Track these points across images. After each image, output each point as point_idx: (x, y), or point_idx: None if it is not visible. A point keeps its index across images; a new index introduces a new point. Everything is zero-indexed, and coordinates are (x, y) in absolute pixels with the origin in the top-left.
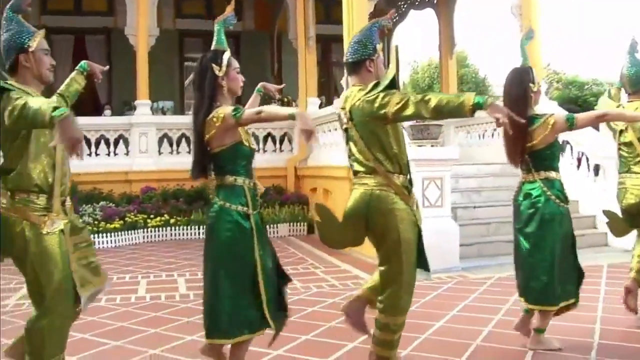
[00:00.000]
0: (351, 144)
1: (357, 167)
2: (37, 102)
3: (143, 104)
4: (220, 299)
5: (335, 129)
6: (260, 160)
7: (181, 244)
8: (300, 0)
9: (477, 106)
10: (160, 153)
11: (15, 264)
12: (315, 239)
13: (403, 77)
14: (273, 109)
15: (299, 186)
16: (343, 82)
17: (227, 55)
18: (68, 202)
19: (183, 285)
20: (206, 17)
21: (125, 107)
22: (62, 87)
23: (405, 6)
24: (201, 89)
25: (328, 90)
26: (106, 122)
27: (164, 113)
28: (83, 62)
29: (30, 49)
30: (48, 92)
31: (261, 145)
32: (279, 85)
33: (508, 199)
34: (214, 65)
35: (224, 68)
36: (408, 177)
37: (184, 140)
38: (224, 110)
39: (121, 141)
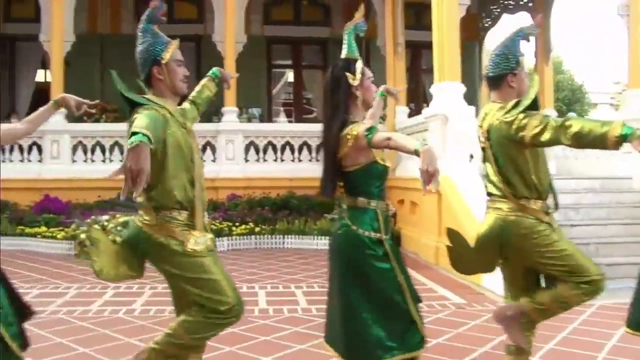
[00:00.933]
0: (487, 164)
1: (491, 189)
2: (138, 123)
3: (230, 110)
4: (365, 331)
5: (424, 140)
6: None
7: (265, 253)
8: (389, 5)
9: (623, 138)
10: (246, 160)
11: (175, 278)
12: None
13: None
14: (400, 138)
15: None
16: (432, 89)
17: (360, 63)
18: (206, 218)
19: (263, 298)
20: (294, 24)
21: (215, 113)
22: (194, 93)
23: (498, 10)
24: (334, 100)
25: (417, 98)
26: (194, 128)
27: (261, 120)
28: (215, 69)
29: (163, 61)
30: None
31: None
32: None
33: (609, 217)
34: (347, 74)
35: (358, 77)
36: (550, 200)
37: (270, 148)
38: (358, 128)
39: (208, 148)
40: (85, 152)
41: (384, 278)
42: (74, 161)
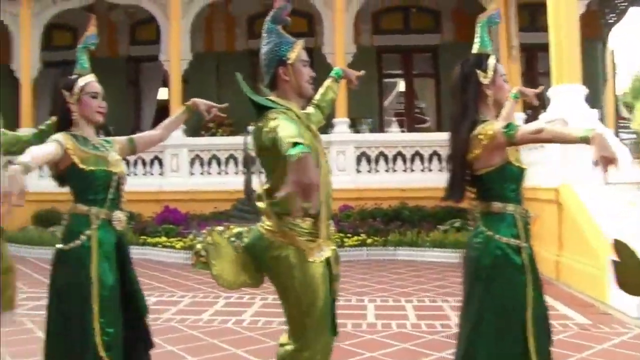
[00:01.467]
0: None
1: None
2: (284, 130)
3: (341, 121)
4: (479, 343)
5: (542, 146)
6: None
7: (376, 265)
8: (501, 7)
9: None
10: (358, 171)
11: (278, 290)
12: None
13: (622, 85)
14: (558, 128)
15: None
16: (550, 93)
17: (493, 59)
18: (332, 227)
19: (372, 312)
20: (404, 32)
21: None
22: (317, 96)
23: (624, 4)
24: (463, 100)
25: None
26: None
27: (372, 130)
28: (337, 69)
29: (289, 61)
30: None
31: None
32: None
33: None
34: (478, 71)
35: (490, 74)
36: None
37: (382, 158)
38: (493, 126)
39: None
40: (202, 165)
41: (515, 293)
42: (191, 174)
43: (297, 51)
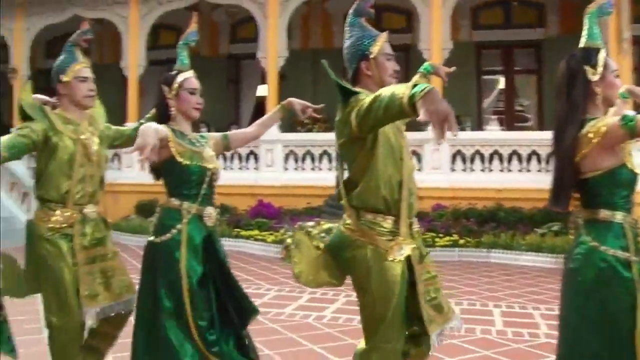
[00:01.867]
0: None
1: None
2: (389, 89)
3: None
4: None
5: None
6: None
7: (468, 267)
8: None
9: None
10: (452, 170)
11: (355, 289)
12: None
13: None
14: None
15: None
16: None
17: (603, 54)
18: (415, 225)
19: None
20: (504, 27)
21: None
22: None
23: None
24: (569, 98)
25: None
26: None
27: (471, 129)
28: (427, 64)
29: (372, 55)
30: None
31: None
32: None
33: None
34: (587, 68)
35: (599, 70)
36: None
37: (477, 157)
38: (605, 122)
39: (413, 157)
40: (296, 160)
41: (619, 310)
42: (285, 169)
43: (380, 45)
